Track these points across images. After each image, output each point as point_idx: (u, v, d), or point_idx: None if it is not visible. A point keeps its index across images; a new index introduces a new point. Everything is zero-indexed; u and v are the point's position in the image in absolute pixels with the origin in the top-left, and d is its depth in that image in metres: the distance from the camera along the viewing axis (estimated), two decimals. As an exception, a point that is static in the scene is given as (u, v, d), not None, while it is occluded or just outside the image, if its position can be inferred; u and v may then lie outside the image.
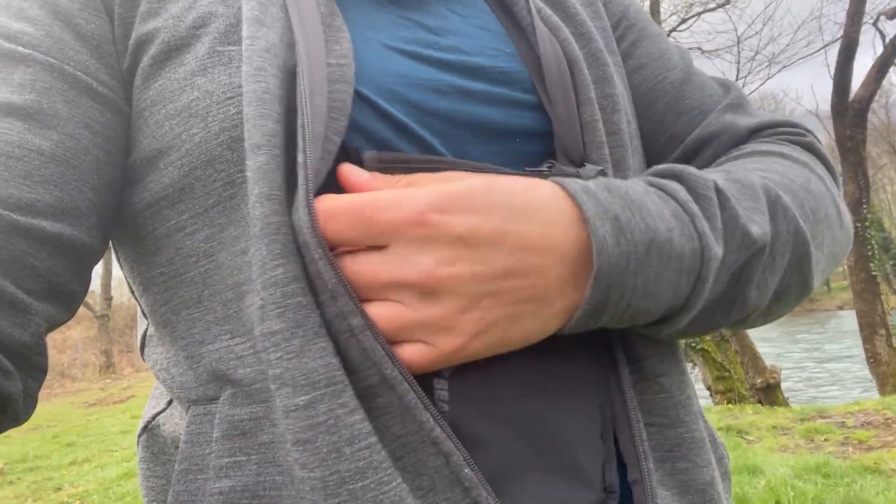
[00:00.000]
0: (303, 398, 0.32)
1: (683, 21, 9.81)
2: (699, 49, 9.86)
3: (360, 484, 0.32)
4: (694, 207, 0.38)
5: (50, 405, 10.78)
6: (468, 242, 0.33)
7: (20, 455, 6.21)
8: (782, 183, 0.43)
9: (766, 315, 0.44)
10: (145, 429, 0.45)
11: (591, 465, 0.39)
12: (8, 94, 0.39)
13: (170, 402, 0.45)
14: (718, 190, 0.40)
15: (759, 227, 0.39)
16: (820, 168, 0.49)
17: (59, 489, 4.76)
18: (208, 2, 0.42)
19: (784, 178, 0.44)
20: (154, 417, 0.45)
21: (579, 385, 0.40)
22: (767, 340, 17.37)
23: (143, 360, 0.48)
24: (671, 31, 9.65)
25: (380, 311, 0.34)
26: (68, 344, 16.49)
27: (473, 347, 0.35)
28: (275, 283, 0.33)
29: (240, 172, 0.38)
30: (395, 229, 0.33)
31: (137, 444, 0.46)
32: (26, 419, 0.38)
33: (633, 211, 0.36)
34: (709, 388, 7.45)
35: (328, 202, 0.34)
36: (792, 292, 0.43)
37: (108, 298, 17.42)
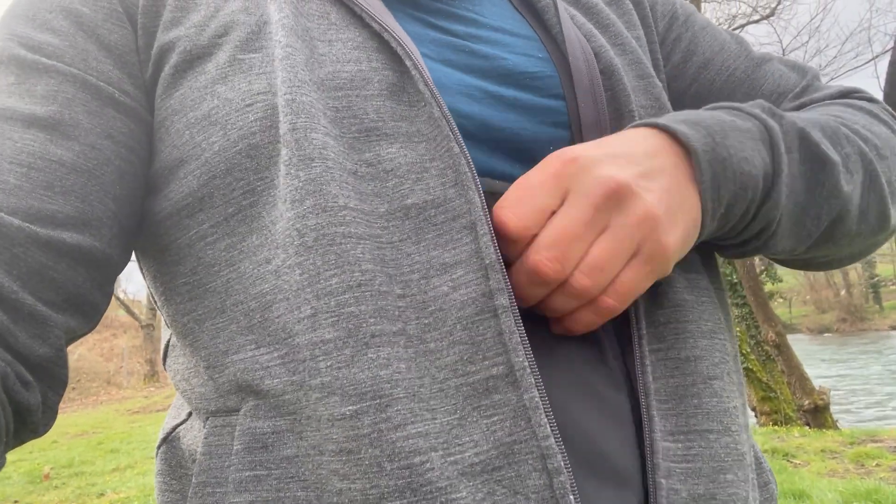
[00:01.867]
0: (350, 408, 0.33)
1: (727, 33, 9.64)
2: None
3: (397, 503, 0.32)
4: (745, 107, 0.43)
5: (96, 412, 11.06)
6: (644, 175, 0.38)
7: (66, 460, 6.38)
8: (844, 120, 0.46)
9: (853, 240, 0.45)
10: (165, 440, 0.45)
11: (630, 469, 0.37)
12: (31, 105, 0.39)
13: (190, 414, 0.44)
14: (773, 112, 0.43)
15: (823, 143, 0.42)
16: (886, 116, 0.50)
17: (102, 495, 4.86)
18: (230, 10, 0.42)
19: (846, 118, 0.47)
20: (174, 429, 0.45)
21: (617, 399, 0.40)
22: (816, 359, 16.81)
23: (165, 370, 0.48)
24: None
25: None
26: (115, 353, 16.95)
27: (670, 251, 0.38)
28: (329, 292, 0.34)
29: (260, 180, 0.38)
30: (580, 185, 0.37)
31: (156, 457, 0.45)
32: (46, 431, 0.38)
33: (698, 116, 0.41)
34: (753, 409, 7.23)
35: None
36: (872, 212, 0.45)
37: (152, 308, 17.85)
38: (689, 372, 0.39)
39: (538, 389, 0.34)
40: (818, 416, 6.81)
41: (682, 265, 0.42)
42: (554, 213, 0.36)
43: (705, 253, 0.46)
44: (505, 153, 0.42)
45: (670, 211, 0.37)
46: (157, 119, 0.42)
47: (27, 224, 0.36)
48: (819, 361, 16.99)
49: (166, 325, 0.47)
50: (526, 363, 0.34)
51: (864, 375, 14.79)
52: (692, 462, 0.37)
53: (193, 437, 0.42)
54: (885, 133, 0.48)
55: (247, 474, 0.35)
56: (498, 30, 0.48)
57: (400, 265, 0.36)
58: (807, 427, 6.17)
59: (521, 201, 0.37)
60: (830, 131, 0.44)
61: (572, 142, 0.43)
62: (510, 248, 0.37)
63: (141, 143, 0.42)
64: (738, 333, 7.90)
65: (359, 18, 0.42)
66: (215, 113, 0.39)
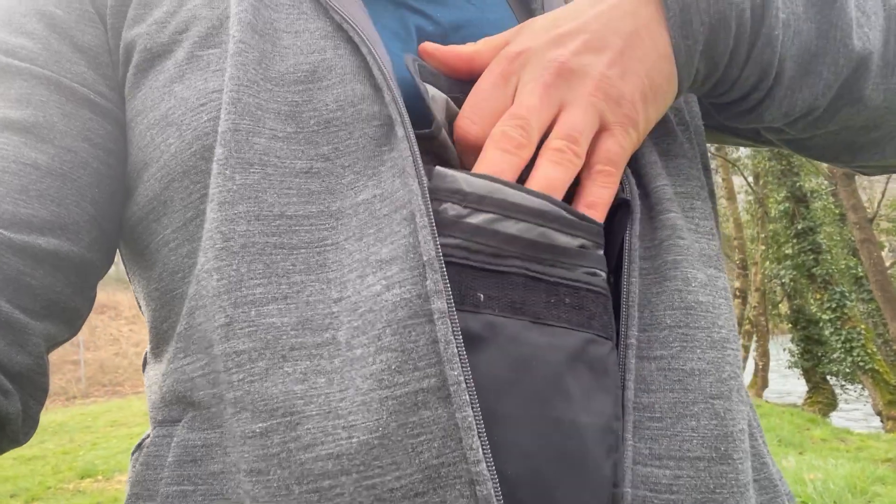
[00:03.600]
0: (260, 425, 0.30)
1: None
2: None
3: None
4: None
5: (139, 401, 11.66)
6: (589, 44, 0.37)
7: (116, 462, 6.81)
8: None
9: (887, 100, 0.41)
10: (139, 446, 0.45)
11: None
12: (5, 108, 0.39)
13: None
14: None
15: None
16: None
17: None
18: (193, 5, 0.41)
19: None
20: (148, 436, 0.45)
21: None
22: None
23: (144, 377, 0.49)
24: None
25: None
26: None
27: (645, 120, 0.38)
28: (251, 301, 0.32)
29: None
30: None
31: (130, 461, 0.46)
32: (26, 440, 0.38)
33: None
34: (879, 414, 6.66)
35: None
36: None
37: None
38: (691, 388, 0.35)
39: (472, 408, 0.29)
40: (956, 423, 6.17)
41: (702, 260, 0.38)
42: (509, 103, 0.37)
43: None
44: None
45: (627, 69, 0.37)
46: (126, 120, 0.42)
47: (1, 230, 0.35)
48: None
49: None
50: (461, 377, 0.29)
51: None
52: (676, 493, 0.33)
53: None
54: None
55: (174, 489, 0.34)
56: (483, 17, 0.46)
57: (341, 265, 0.34)
58: (941, 435, 5.61)
59: (476, 108, 0.37)
60: None
61: None
62: (469, 151, 0.36)
63: (118, 144, 0.42)
64: (864, 331, 7.31)
65: (325, 9, 0.40)
66: (172, 113, 0.38)
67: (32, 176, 0.38)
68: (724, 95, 0.40)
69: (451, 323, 0.30)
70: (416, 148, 0.34)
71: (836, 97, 0.40)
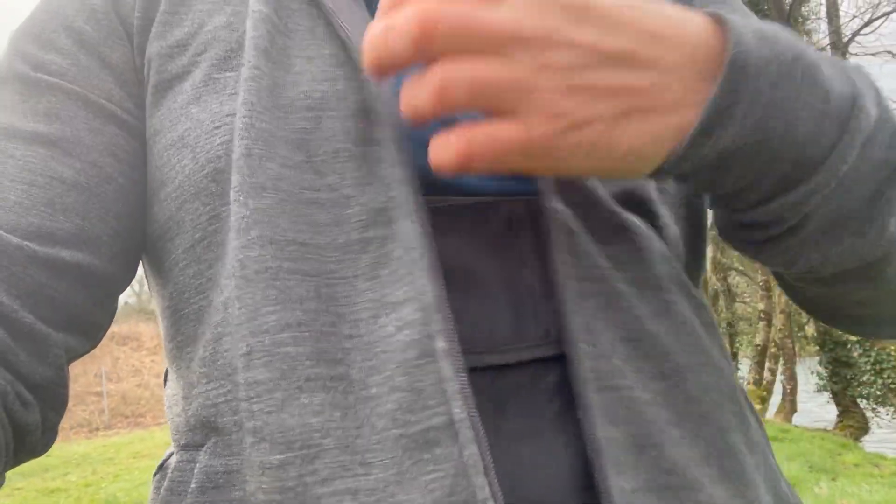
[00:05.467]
0: (277, 457, 0.31)
1: (868, 23, 8.85)
2: (889, 53, 8.83)
3: None
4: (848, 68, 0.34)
5: (161, 432, 11.62)
6: (589, 13, 0.28)
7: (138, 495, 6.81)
8: None
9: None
10: (160, 467, 0.45)
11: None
12: (34, 122, 0.40)
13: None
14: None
15: None
16: None
17: None
18: (213, 27, 0.42)
19: None
20: (170, 456, 0.45)
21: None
22: None
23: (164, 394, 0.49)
24: (854, 36, 8.73)
25: (474, 67, 0.28)
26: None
27: (570, 142, 0.29)
28: (266, 329, 0.32)
29: (224, 206, 0.37)
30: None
31: (152, 482, 0.45)
32: (45, 451, 0.38)
33: (776, 33, 0.31)
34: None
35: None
36: None
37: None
38: (649, 418, 0.34)
39: (479, 444, 0.30)
40: None
41: (655, 288, 0.37)
42: None
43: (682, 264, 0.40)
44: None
45: (594, 118, 0.29)
46: (147, 138, 0.42)
47: (26, 242, 0.36)
48: None
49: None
50: (464, 414, 0.30)
51: None
52: None
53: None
54: None
55: None
56: None
57: (352, 303, 0.34)
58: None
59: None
60: None
61: None
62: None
63: (143, 160, 0.42)
64: (893, 352, 7.15)
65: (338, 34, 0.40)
66: (188, 135, 0.39)
67: (58, 189, 0.38)
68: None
69: (454, 361, 0.31)
70: (416, 183, 0.35)
71: (847, 269, 0.36)
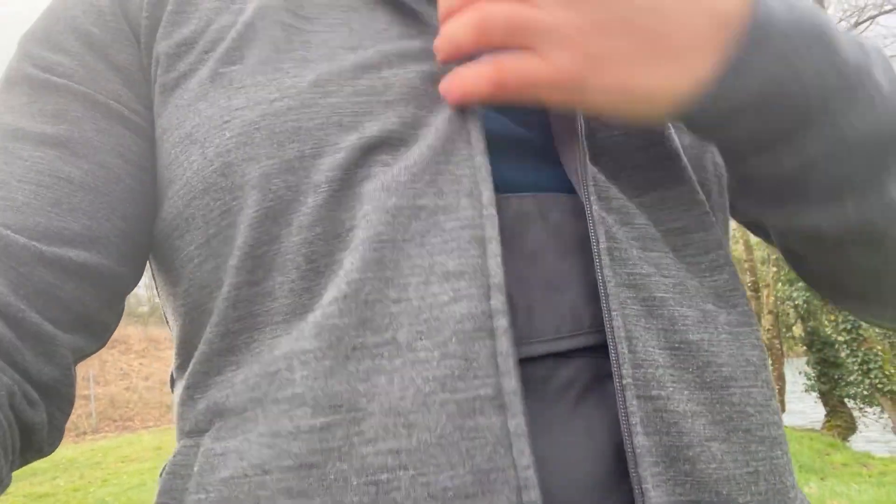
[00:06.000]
0: (322, 420, 0.32)
1: (856, 25, 8.94)
2: (875, 55, 8.92)
3: None
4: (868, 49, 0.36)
5: (161, 433, 11.56)
6: None
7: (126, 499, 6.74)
8: None
9: None
10: (166, 468, 0.45)
11: None
12: (42, 124, 0.40)
13: None
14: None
15: None
16: None
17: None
18: (219, 26, 0.42)
19: None
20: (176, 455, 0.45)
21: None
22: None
23: (172, 393, 0.48)
24: (840, 39, 8.80)
25: (511, 7, 0.33)
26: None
27: (593, 83, 0.33)
28: (319, 306, 0.34)
29: (234, 200, 0.37)
30: None
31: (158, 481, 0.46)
32: (51, 451, 0.38)
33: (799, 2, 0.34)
34: (901, 436, 6.54)
35: None
36: None
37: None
38: (685, 430, 0.34)
39: (525, 416, 0.32)
40: (980, 446, 6.05)
41: (696, 297, 0.37)
42: None
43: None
44: (512, 157, 0.40)
45: (614, 58, 0.33)
46: (156, 138, 0.43)
47: (33, 242, 0.36)
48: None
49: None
50: (517, 387, 0.32)
51: None
52: None
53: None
54: None
55: (194, 497, 0.35)
56: None
57: (399, 267, 0.34)
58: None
59: None
60: None
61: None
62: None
63: (150, 161, 0.43)
64: (881, 352, 7.22)
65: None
66: (196, 131, 0.39)
67: (66, 189, 0.39)
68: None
69: (509, 339, 0.33)
70: (489, 170, 0.36)
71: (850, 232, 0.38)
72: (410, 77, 0.39)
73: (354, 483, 0.31)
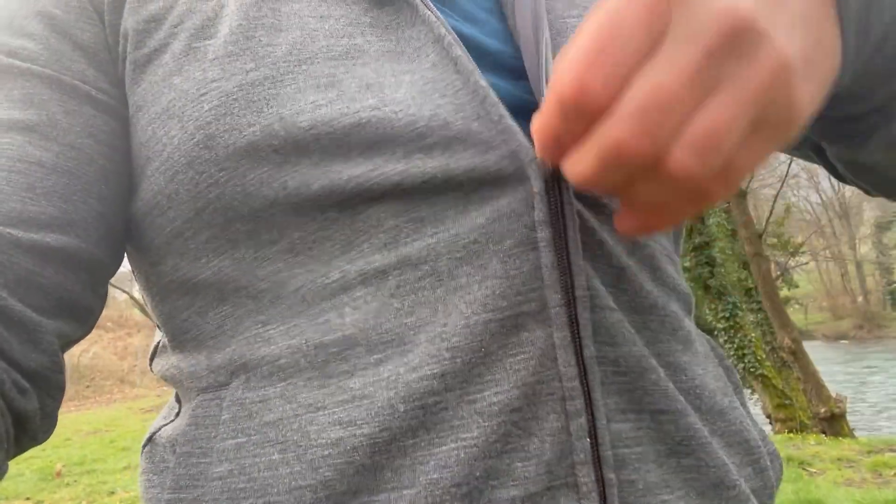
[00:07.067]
0: (375, 356, 0.34)
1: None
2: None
3: (410, 441, 0.32)
4: None
5: (109, 410, 11.17)
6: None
7: (79, 458, 6.43)
8: None
9: None
10: (149, 440, 0.45)
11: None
12: (9, 109, 0.39)
13: (178, 415, 0.44)
14: None
15: None
16: None
17: (113, 493, 4.89)
18: (186, 0, 0.42)
19: None
20: (159, 429, 0.44)
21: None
22: (831, 366, 16.62)
23: (152, 370, 0.47)
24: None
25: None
26: (129, 351, 17.10)
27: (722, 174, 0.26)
28: (359, 256, 0.35)
29: (221, 171, 0.37)
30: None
31: (141, 457, 0.45)
32: (45, 438, 0.38)
33: None
34: (769, 416, 7.16)
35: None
36: None
37: (167, 308, 17.94)
38: (650, 341, 0.37)
39: (570, 329, 0.32)
40: (834, 424, 6.73)
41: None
42: (641, 64, 0.25)
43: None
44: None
45: (808, 57, 0.26)
46: (129, 115, 0.42)
47: (9, 229, 0.36)
48: (835, 368, 16.82)
49: (159, 326, 0.46)
50: (562, 300, 0.33)
51: (880, 383, 14.60)
52: (641, 446, 0.35)
53: (174, 426, 0.41)
54: None
55: (230, 443, 0.36)
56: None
57: (434, 205, 0.35)
58: (823, 435, 6.10)
59: (599, 53, 0.24)
60: None
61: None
62: (579, 121, 0.26)
63: (122, 140, 0.42)
64: (754, 339, 7.84)
65: None
66: (173, 106, 0.39)
67: (38, 174, 0.38)
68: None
69: (556, 250, 0.33)
70: (490, 88, 0.35)
71: None
72: (384, 42, 0.39)
73: (401, 409, 0.32)
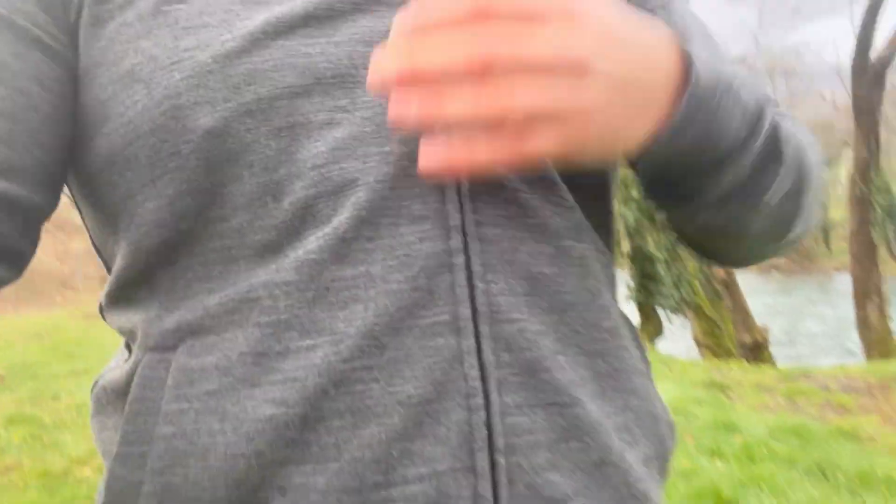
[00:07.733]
0: (307, 342, 0.36)
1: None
2: (724, -4, 9.48)
3: (337, 423, 0.36)
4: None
5: (51, 315, 10.95)
6: (613, 39, 0.34)
7: (21, 363, 6.35)
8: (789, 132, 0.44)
9: (765, 233, 0.46)
10: (97, 383, 0.46)
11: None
12: None
13: (126, 361, 0.44)
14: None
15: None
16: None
17: (57, 398, 4.88)
18: None
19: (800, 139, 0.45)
20: (109, 374, 0.45)
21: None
22: (761, 294, 17.46)
23: (104, 318, 0.48)
24: (697, -24, 9.26)
25: (534, 92, 0.32)
26: (70, 255, 16.62)
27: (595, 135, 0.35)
28: (303, 246, 0.37)
29: (185, 143, 0.37)
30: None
31: (90, 401, 0.46)
32: None
33: (717, 61, 0.41)
34: (698, 342, 7.56)
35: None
36: (788, 211, 0.45)
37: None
38: (540, 346, 0.40)
39: (475, 339, 0.38)
40: (757, 352, 7.16)
41: (549, 234, 0.42)
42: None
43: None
44: None
45: (615, 118, 0.35)
46: (82, 67, 0.41)
47: None
48: (764, 298, 17.69)
49: (108, 271, 0.46)
50: (469, 314, 0.38)
51: (805, 314, 15.44)
52: (535, 434, 0.38)
53: (122, 370, 0.42)
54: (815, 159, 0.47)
55: (174, 406, 0.37)
56: None
57: (373, 209, 0.38)
58: (745, 362, 6.48)
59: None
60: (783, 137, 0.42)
61: None
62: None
63: (68, 88, 0.41)
64: (691, 269, 8.15)
65: None
66: (139, 70, 0.38)
67: None
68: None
69: (466, 272, 0.38)
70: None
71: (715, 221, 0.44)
72: (361, 20, 0.40)
73: (332, 393, 0.36)
